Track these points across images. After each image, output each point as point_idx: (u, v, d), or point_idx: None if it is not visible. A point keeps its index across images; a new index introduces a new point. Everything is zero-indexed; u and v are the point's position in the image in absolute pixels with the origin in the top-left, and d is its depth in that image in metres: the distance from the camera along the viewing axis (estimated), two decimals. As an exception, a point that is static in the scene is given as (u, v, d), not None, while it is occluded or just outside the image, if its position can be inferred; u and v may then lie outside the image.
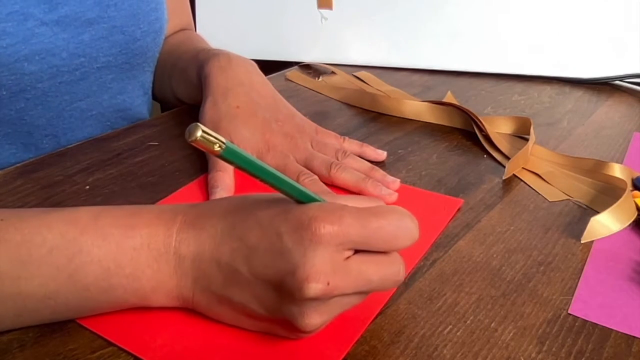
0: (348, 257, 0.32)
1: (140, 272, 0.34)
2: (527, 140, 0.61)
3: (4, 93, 0.55)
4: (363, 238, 0.31)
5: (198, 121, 0.56)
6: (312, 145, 0.54)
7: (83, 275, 0.33)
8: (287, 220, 0.32)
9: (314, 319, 0.31)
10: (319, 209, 0.31)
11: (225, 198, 0.37)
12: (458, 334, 0.36)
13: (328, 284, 0.30)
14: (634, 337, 0.37)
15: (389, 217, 0.32)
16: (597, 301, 0.39)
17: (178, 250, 0.34)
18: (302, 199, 0.33)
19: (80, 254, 0.33)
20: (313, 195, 0.33)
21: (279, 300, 0.32)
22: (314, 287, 0.30)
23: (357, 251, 0.32)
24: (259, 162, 0.31)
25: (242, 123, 0.53)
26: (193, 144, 0.27)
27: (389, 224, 0.32)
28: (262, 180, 0.31)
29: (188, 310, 0.36)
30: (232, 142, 0.52)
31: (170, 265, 0.34)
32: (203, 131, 0.27)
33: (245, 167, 0.30)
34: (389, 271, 0.33)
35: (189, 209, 0.36)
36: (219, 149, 0.28)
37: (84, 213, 0.35)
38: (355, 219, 0.31)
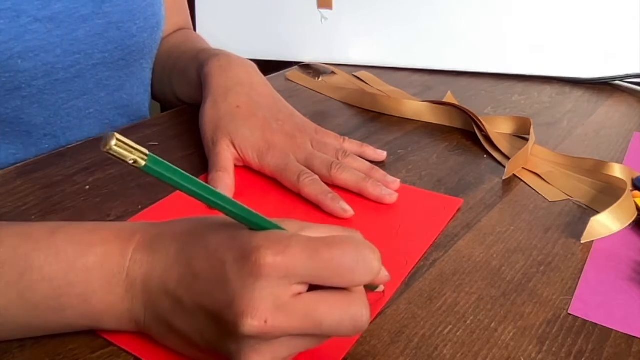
0: (298, 294, 0.29)
1: (91, 293, 0.32)
2: (527, 140, 0.61)
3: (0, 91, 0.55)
4: (312, 271, 0.28)
5: (199, 121, 0.56)
6: (312, 145, 0.54)
7: (33, 292, 0.31)
8: (231, 248, 0.29)
9: (253, 359, 0.29)
10: (264, 238, 0.28)
11: (186, 219, 0.34)
12: (458, 334, 0.36)
13: (265, 322, 0.27)
14: (634, 337, 0.36)
15: (344, 247, 0.29)
16: (597, 301, 0.39)
17: (130, 271, 0.32)
18: (251, 224, 0.30)
19: (31, 271, 0.31)
20: (262, 218, 0.30)
21: (219, 335, 0.29)
22: (249, 324, 0.27)
23: (314, 287, 0.29)
24: (193, 178, 0.28)
25: (243, 122, 0.53)
26: (107, 153, 0.24)
27: (343, 255, 0.28)
28: (198, 199, 0.28)
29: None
30: (233, 141, 0.53)
31: (122, 288, 0.32)
32: (118, 140, 0.24)
33: (174, 182, 0.27)
34: (346, 314, 0.29)
35: (149, 228, 0.34)
36: (142, 160, 0.25)
37: (40, 228, 0.33)
38: (302, 250, 0.28)
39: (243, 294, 0.28)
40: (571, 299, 0.40)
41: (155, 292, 0.31)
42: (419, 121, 0.68)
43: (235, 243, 0.29)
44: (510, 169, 0.55)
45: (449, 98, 0.74)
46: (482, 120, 0.62)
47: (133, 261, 0.32)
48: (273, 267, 0.28)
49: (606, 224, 0.47)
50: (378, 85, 0.79)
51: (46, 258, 0.32)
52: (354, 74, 0.83)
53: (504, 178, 0.55)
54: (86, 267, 0.32)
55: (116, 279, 0.32)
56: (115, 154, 0.24)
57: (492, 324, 0.37)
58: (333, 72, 0.84)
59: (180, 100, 0.69)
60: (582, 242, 0.46)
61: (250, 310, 0.27)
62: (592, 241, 0.46)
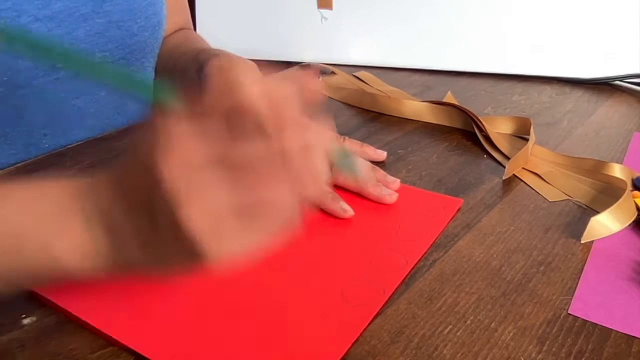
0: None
1: (54, 235, 0.32)
2: (527, 140, 0.61)
3: (0, 90, 0.55)
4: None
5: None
6: (312, 145, 0.54)
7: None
8: (139, 138, 0.31)
9: (196, 218, 0.28)
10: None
11: None
12: (458, 334, 0.36)
13: (181, 153, 0.28)
14: (634, 337, 0.36)
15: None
16: (597, 301, 0.39)
17: (84, 204, 0.32)
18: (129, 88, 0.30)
19: None
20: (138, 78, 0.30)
21: (163, 216, 0.29)
22: (166, 168, 0.28)
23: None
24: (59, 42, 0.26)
25: (243, 122, 0.53)
26: None
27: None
28: (66, 65, 0.27)
29: (187, 309, 0.36)
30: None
31: (79, 220, 0.32)
32: None
33: (38, 47, 0.26)
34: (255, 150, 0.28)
35: (102, 171, 0.34)
36: None
37: None
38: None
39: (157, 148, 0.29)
40: (571, 299, 0.40)
41: (109, 208, 0.32)
42: (419, 121, 0.68)
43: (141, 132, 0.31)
44: (510, 169, 0.55)
45: (449, 98, 0.74)
46: (482, 120, 0.62)
47: (85, 196, 0.33)
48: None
49: (606, 224, 0.47)
50: (378, 85, 0.79)
51: (9, 210, 0.32)
52: (354, 74, 0.83)
53: (504, 178, 0.55)
54: (44, 212, 0.32)
55: (73, 215, 0.32)
56: None
57: (492, 324, 0.37)
58: (333, 72, 0.84)
59: (180, 100, 0.69)
60: (582, 242, 0.46)
61: (164, 157, 0.28)
62: (592, 241, 0.46)
